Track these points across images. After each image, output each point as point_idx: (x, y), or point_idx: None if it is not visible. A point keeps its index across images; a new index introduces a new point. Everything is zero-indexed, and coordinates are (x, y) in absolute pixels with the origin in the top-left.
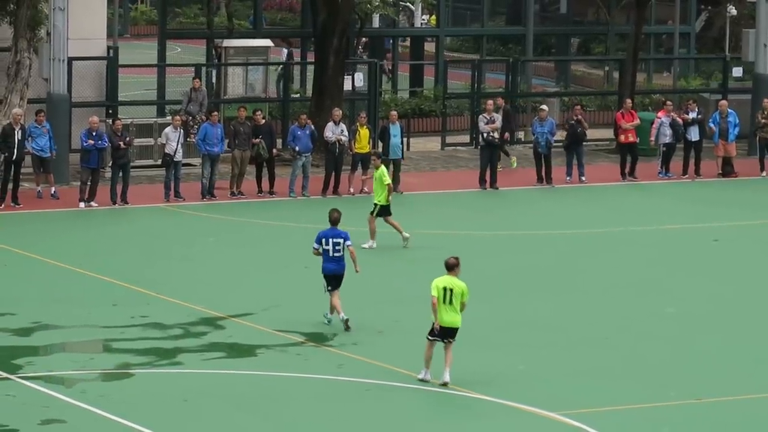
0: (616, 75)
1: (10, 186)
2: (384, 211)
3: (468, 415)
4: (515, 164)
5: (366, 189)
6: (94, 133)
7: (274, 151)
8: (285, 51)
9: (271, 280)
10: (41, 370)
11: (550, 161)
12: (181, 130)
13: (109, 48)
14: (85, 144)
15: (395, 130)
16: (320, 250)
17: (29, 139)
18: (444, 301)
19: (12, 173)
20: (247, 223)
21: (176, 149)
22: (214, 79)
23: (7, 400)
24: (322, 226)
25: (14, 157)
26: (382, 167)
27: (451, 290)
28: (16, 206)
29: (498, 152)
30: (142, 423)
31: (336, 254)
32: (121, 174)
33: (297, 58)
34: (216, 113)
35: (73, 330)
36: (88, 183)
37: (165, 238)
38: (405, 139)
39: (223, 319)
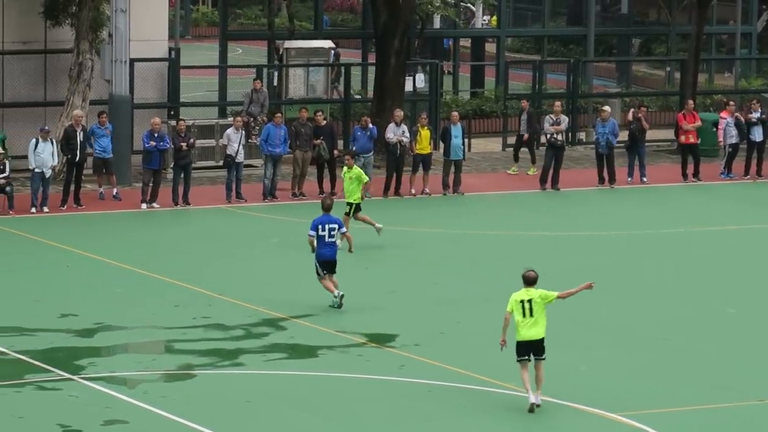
0: (677, 75)
1: (73, 187)
2: (357, 209)
3: (530, 417)
4: (533, 171)
5: (427, 190)
6: (155, 135)
7: (335, 152)
8: (332, 52)
9: None
10: (104, 371)
11: (612, 162)
12: (243, 132)
13: (170, 49)
14: (146, 145)
15: (456, 130)
16: (315, 238)
17: (90, 139)
18: (524, 315)
19: (74, 174)
20: (308, 225)
21: (237, 150)
22: (275, 81)
23: (70, 401)
24: (385, 226)
25: (77, 158)
26: (356, 167)
27: (530, 301)
28: (79, 207)
29: (562, 153)
30: (204, 424)
31: (330, 240)
32: (182, 175)
33: (344, 59)
34: (279, 114)
35: (135, 331)
36: (150, 184)
37: (226, 239)
38: (466, 140)
39: (285, 320)
